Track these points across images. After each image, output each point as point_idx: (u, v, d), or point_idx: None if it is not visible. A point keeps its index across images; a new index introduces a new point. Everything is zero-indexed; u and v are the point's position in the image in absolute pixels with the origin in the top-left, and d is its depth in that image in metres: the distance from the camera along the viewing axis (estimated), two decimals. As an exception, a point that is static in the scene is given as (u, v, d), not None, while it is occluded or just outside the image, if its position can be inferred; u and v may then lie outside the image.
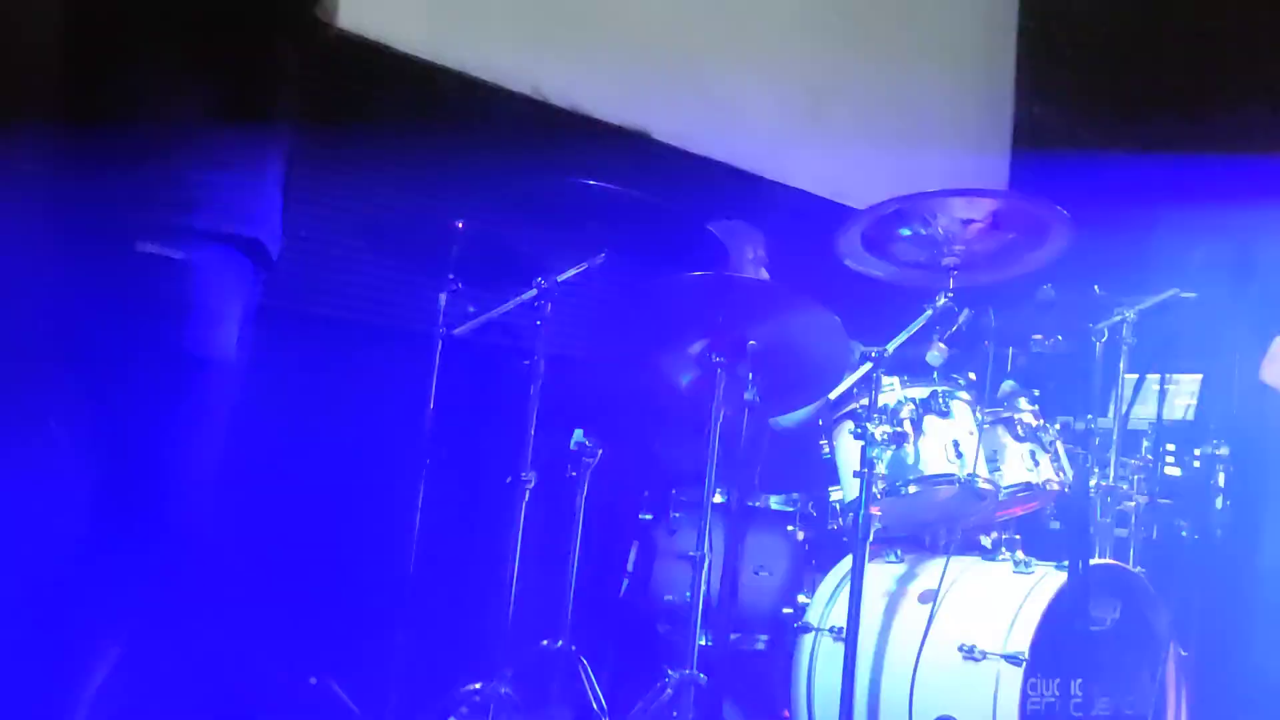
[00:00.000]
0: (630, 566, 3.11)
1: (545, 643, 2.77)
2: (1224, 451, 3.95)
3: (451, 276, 2.95)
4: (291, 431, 2.84)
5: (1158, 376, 4.08)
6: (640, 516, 3.12)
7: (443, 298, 2.93)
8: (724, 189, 4.12)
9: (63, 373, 1.62)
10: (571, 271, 2.72)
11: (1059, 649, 2.52)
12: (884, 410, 2.71)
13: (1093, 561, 2.74)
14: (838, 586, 2.87)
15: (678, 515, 3.09)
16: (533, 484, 2.62)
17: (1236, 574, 3.85)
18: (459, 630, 2.85)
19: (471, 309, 2.89)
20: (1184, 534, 3.94)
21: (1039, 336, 3.22)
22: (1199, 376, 4.42)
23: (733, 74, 4.28)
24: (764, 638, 2.99)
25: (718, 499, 2.84)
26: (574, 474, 2.82)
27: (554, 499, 2.78)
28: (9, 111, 1.71)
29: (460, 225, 2.86)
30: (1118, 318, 3.19)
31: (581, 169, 3.09)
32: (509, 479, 2.63)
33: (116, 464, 1.61)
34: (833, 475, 2.94)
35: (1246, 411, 3.99)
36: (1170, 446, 4.02)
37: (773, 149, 4.38)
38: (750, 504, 3.02)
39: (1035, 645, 2.48)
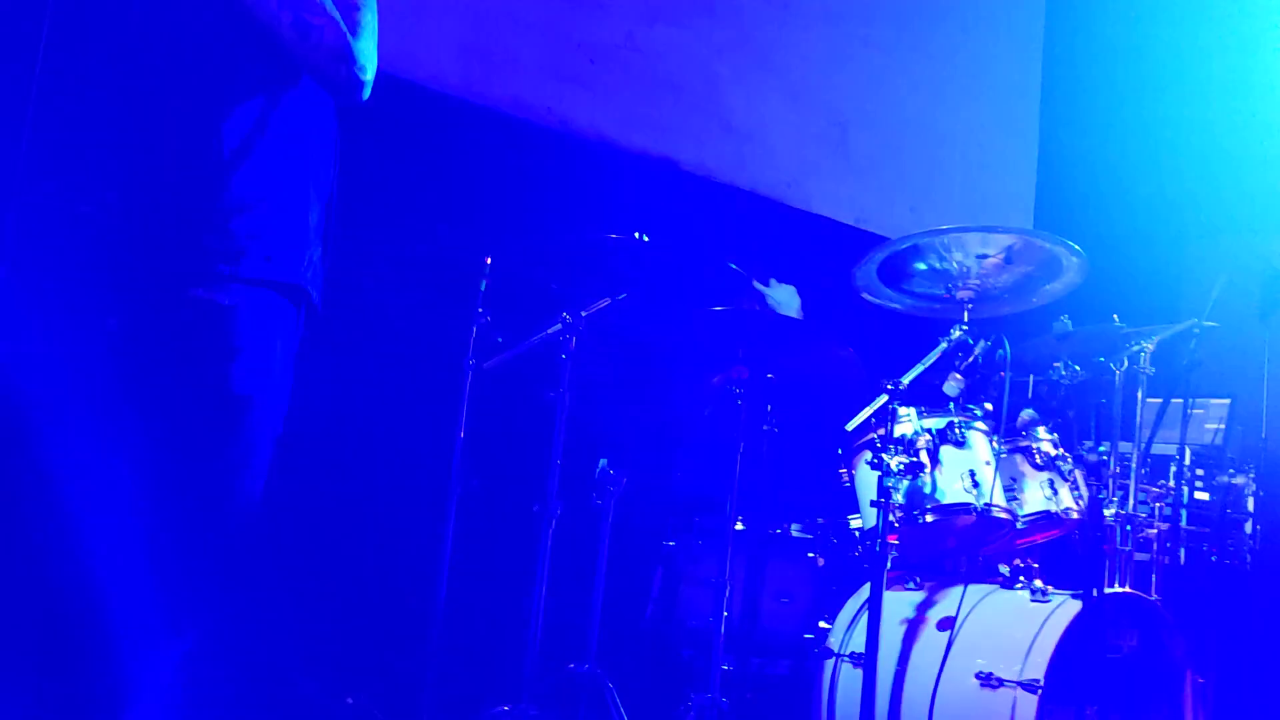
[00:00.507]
0: (655, 592, 3.19)
1: (572, 666, 2.85)
2: (1251, 476, 3.96)
3: (481, 310, 3.05)
4: (328, 459, 2.95)
5: (1181, 402, 4.10)
6: (664, 543, 3.20)
7: (474, 330, 3.03)
8: (747, 217, 4.19)
9: (124, 409, 1.74)
10: (596, 306, 2.81)
11: (1075, 676, 2.56)
12: (901, 440, 2.77)
13: (1110, 590, 2.77)
14: (858, 613, 2.92)
15: (700, 543, 3.16)
16: (559, 512, 2.71)
17: (1265, 600, 3.85)
18: (488, 653, 2.94)
19: (500, 340, 2.98)
20: (1213, 559, 3.96)
21: (1058, 365, 3.27)
22: (1227, 401, 4.42)
23: (757, 103, 4.36)
24: (786, 663, 3.05)
25: (739, 526, 2.91)
26: (599, 502, 2.90)
27: (580, 526, 2.86)
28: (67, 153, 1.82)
29: (489, 261, 2.96)
30: (1136, 348, 3.22)
31: (607, 203, 3.20)
32: (536, 507, 2.71)
33: (171, 496, 1.72)
34: (852, 504, 3.00)
35: (1276, 435, 3.99)
36: (1199, 471, 4.04)
37: (797, 177, 4.46)
38: (772, 531, 3.09)
39: (1051, 672, 2.52)
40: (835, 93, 4.59)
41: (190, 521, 1.74)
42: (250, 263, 1.76)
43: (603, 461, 2.91)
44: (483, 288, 3.01)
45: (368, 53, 1.88)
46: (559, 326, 2.80)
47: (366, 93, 1.88)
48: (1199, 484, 3.93)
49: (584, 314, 2.80)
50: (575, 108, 3.81)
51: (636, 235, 2.78)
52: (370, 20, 1.90)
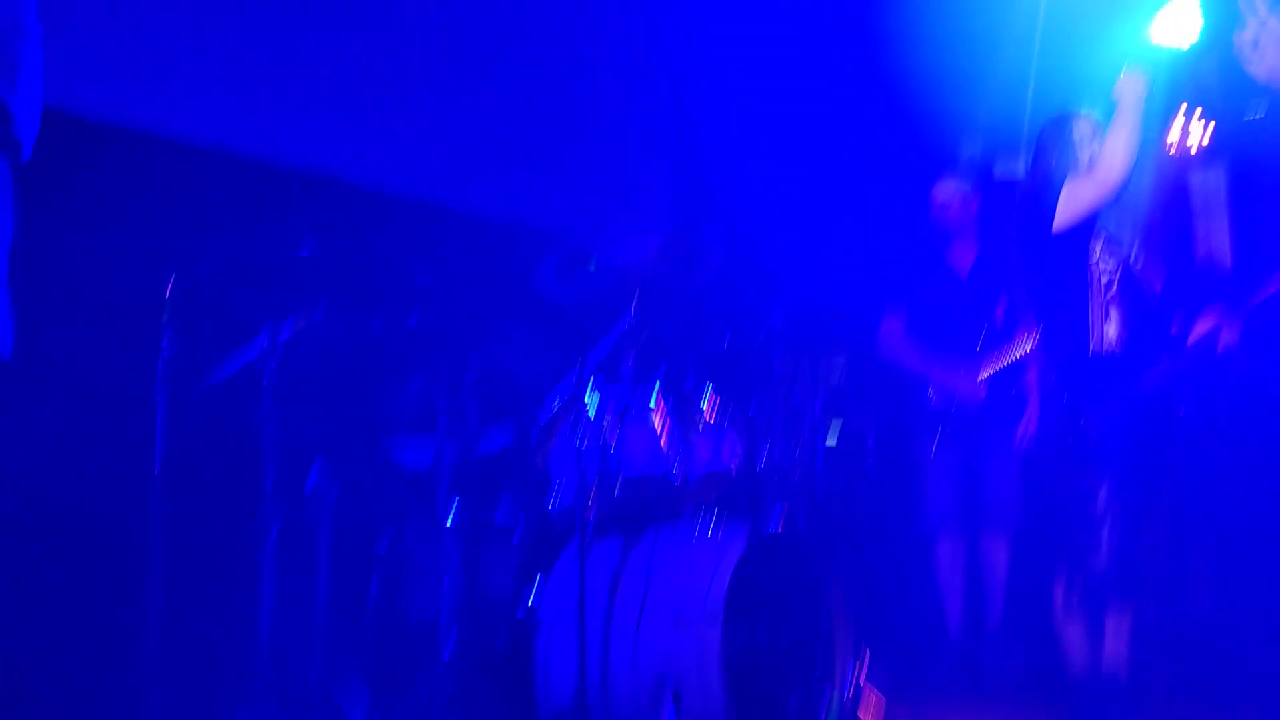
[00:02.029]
0: (372, 594, 3.32)
1: (299, 678, 2.94)
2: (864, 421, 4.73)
3: (167, 340, 3.02)
4: (30, 509, 2.82)
5: (811, 355, 4.80)
6: (379, 547, 3.34)
7: (162, 362, 2.99)
8: (421, 225, 4.34)
9: None
10: (292, 326, 2.89)
11: (746, 606, 3.03)
12: (588, 421, 3.12)
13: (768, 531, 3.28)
14: (564, 581, 3.24)
15: (413, 540, 3.34)
16: (276, 530, 2.78)
17: (887, 522, 4.63)
18: (212, 677, 2.95)
19: (194, 372, 2.97)
20: (844, 489, 4.69)
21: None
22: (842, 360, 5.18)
23: (419, 109, 4.50)
24: (503, 637, 3.31)
25: (449, 522, 3.13)
26: (313, 515, 3.00)
27: (298, 541, 2.95)
28: None
29: (168, 292, 2.94)
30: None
31: (286, 223, 3.26)
32: (250, 528, 2.77)
33: None
34: (551, 483, 3.31)
35: (886, 384, 4.76)
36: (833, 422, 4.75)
37: (458, 177, 4.64)
38: (479, 521, 3.33)
39: (728, 604, 2.97)
40: (493, 100, 4.82)
41: None
42: None
43: (312, 476, 3.00)
44: (166, 318, 2.98)
45: (28, 104, 1.78)
46: (256, 352, 2.86)
47: (28, 154, 1.81)
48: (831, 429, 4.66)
49: (280, 339, 2.87)
50: (243, 127, 3.79)
51: (314, 250, 2.89)
52: (28, 59, 1.81)
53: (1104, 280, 3.18)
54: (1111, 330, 3.14)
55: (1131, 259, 3.18)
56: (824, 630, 3.19)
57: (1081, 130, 3.25)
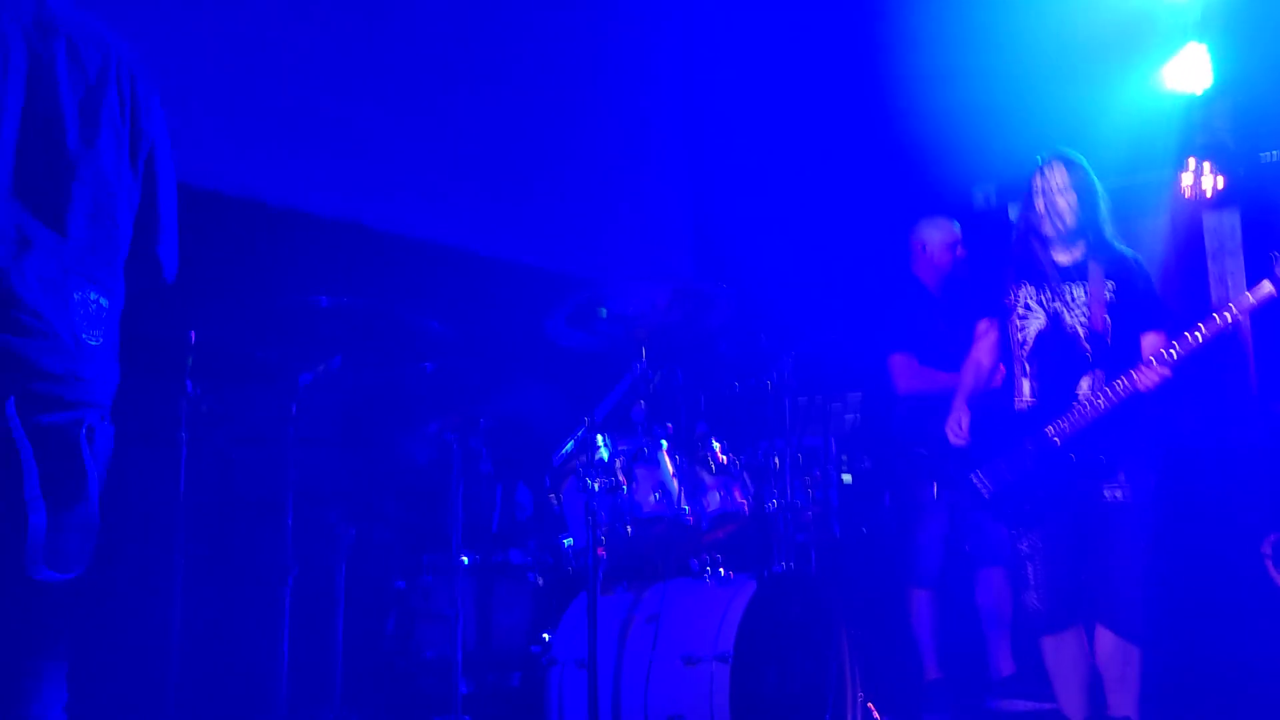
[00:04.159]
0: (389, 631, 3.38)
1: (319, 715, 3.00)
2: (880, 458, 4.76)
3: (190, 385, 3.12)
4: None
5: (822, 399, 4.85)
6: (395, 585, 3.41)
7: (183, 405, 3.08)
8: (436, 269, 4.44)
9: None
10: (313, 371, 2.98)
11: (757, 645, 3.07)
12: (600, 464, 3.18)
13: (777, 570, 3.32)
14: (577, 621, 3.29)
15: (429, 579, 3.41)
16: (296, 572, 2.86)
17: (899, 557, 4.64)
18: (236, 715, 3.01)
19: (216, 414, 3.06)
20: (863, 531, 4.71)
21: (735, 384, 3.86)
22: (859, 394, 5.23)
23: (437, 158, 4.62)
24: (518, 676, 3.36)
25: (464, 560, 3.19)
26: (330, 555, 3.07)
27: (316, 581, 3.02)
28: None
29: (193, 336, 3.04)
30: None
31: (305, 270, 3.36)
32: (271, 570, 2.85)
33: None
34: (563, 525, 3.37)
35: (903, 419, 4.79)
36: (844, 457, 4.79)
37: (474, 224, 4.75)
38: (494, 560, 3.39)
39: (738, 644, 3.01)
40: (509, 146, 4.94)
41: None
42: None
43: (332, 517, 3.08)
44: (189, 363, 3.08)
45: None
46: (280, 395, 2.95)
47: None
48: (844, 468, 4.70)
49: (301, 383, 2.97)
50: (263, 175, 3.91)
51: (333, 299, 2.98)
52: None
53: (1019, 337, 3.34)
54: (1026, 387, 3.30)
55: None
56: (834, 671, 3.22)
57: (1043, 180, 3.35)
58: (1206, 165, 4.90)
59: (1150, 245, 4.82)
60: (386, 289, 3.09)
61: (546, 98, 5.04)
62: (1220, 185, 4.88)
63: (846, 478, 4.77)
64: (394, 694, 3.25)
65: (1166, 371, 3.09)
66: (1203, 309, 4.24)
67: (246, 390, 3.08)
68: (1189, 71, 4.91)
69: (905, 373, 4.40)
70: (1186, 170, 4.91)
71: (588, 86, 5.26)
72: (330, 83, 4.19)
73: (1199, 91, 4.92)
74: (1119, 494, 3.19)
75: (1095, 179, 3.39)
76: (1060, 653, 3.27)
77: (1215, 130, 5.07)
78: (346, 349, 3.02)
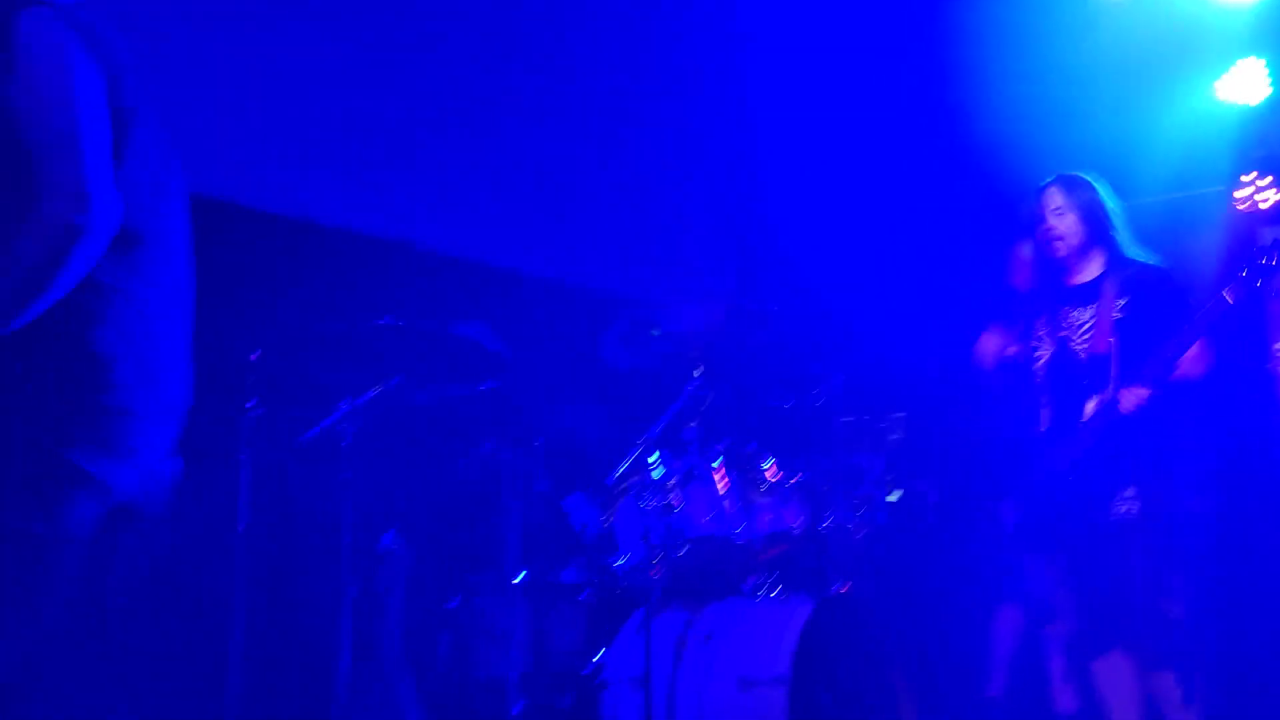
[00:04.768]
0: (443, 651, 3.40)
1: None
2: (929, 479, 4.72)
3: (251, 404, 3.16)
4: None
5: (870, 417, 4.82)
6: (449, 605, 3.42)
7: (246, 424, 3.12)
8: (489, 289, 4.46)
9: None
10: (369, 394, 3.01)
11: (813, 667, 3.04)
12: (653, 484, 3.18)
13: (833, 591, 3.30)
14: (631, 640, 3.28)
15: (483, 598, 3.42)
16: (355, 593, 2.88)
17: (952, 579, 4.59)
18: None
19: (277, 433, 3.10)
20: (908, 551, 4.67)
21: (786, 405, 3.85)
22: (903, 415, 5.19)
23: (489, 178, 4.66)
24: (571, 696, 3.35)
25: (517, 579, 3.20)
26: (388, 575, 3.09)
27: (374, 599, 3.04)
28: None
29: (255, 356, 3.08)
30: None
31: (363, 290, 3.40)
32: (330, 590, 2.87)
33: None
34: (616, 544, 3.38)
35: (950, 439, 4.76)
36: (890, 477, 4.75)
37: (528, 243, 4.78)
38: (547, 579, 3.40)
39: (794, 666, 2.99)
40: (560, 167, 4.97)
41: None
42: None
43: (388, 536, 3.10)
44: (251, 382, 3.12)
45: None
46: (337, 416, 2.98)
47: None
48: (891, 488, 4.66)
49: (358, 403, 3.00)
50: (322, 197, 3.96)
51: (391, 320, 3.01)
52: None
53: (1036, 369, 3.34)
54: (1044, 416, 3.27)
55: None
56: (890, 693, 3.19)
57: (1040, 206, 3.34)
58: (1264, 179, 4.83)
59: (1205, 260, 4.75)
60: (442, 309, 3.11)
61: (596, 118, 5.07)
62: (1277, 199, 4.80)
63: (893, 497, 4.74)
64: (447, 713, 3.26)
65: (1144, 393, 3.05)
66: (1259, 326, 4.17)
67: (306, 410, 3.11)
68: (1245, 84, 4.84)
69: (988, 352, 4.21)
70: (1242, 184, 4.84)
71: (637, 105, 5.29)
72: (385, 105, 4.24)
73: (1255, 104, 4.85)
74: (1131, 509, 3.13)
75: (1103, 193, 3.33)
76: (1108, 677, 3.20)
77: (1272, 144, 5.00)
78: (403, 369, 3.05)
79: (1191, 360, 3.09)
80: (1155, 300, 3.20)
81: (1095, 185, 3.35)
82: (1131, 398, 3.08)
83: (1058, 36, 4.73)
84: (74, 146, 1.85)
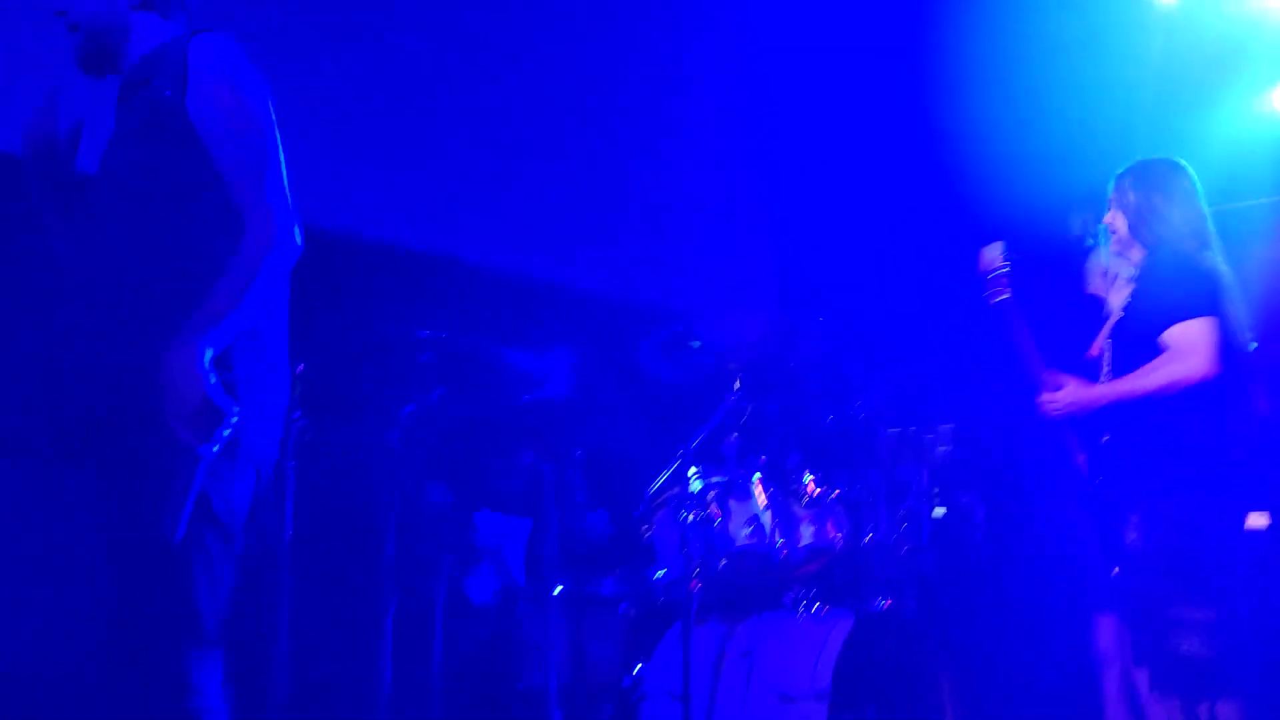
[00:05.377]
0: (485, 660, 3.42)
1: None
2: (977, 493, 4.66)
3: (295, 415, 3.20)
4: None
5: (915, 430, 4.77)
6: (489, 612, 3.44)
7: (290, 434, 3.17)
8: (529, 301, 4.49)
9: None
10: (414, 404, 3.04)
11: (855, 683, 3.02)
12: (693, 497, 3.18)
13: (875, 606, 3.27)
14: (670, 653, 3.28)
15: (523, 609, 3.43)
16: (396, 603, 2.90)
17: (998, 599, 4.53)
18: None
19: (321, 445, 3.14)
20: (953, 567, 4.61)
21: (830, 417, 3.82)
22: (951, 425, 5.13)
23: (534, 189, 4.68)
24: (610, 708, 3.36)
25: (557, 591, 3.21)
26: (430, 585, 3.12)
27: (417, 611, 3.06)
28: None
29: (299, 369, 3.13)
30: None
31: (405, 304, 3.44)
32: (374, 600, 2.90)
33: None
34: (655, 556, 3.38)
35: (994, 451, 4.70)
36: (935, 490, 4.70)
37: (566, 253, 4.80)
38: (586, 590, 3.41)
39: (835, 682, 2.97)
40: (600, 180, 4.99)
41: None
42: None
43: (431, 545, 3.13)
44: (296, 394, 3.17)
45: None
46: (378, 426, 3.02)
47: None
48: (937, 502, 4.60)
49: (401, 413, 3.03)
50: (362, 211, 4.02)
51: (433, 332, 3.04)
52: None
53: None
54: None
55: None
56: (932, 711, 3.15)
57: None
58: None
59: (1253, 272, 4.67)
60: (483, 322, 3.14)
61: (637, 129, 5.10)
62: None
63: (939, 511, 4.68)
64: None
65: (1054, 400, 2.88)
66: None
67: (350, 422, 3.15)
68: (1295, 97, 4.76)
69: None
70: (1295, 196, 4.76)
71: (679, 116, 5.31)
72: (428, 117, 4.29)
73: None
74: (1133, 536, 2.83)
75: (1146, 183, 3.02)
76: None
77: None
78: (446, 381, 3.08)
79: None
80: (1148, 294, 2.87)
81: (1141, 174, 3.07)
82: (1050, 404, 2.91)
83: (1103, 49, 4.68)
84: (276, 164, 1.90)
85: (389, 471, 3.00)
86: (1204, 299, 2.79)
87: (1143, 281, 2.93)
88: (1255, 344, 3.02)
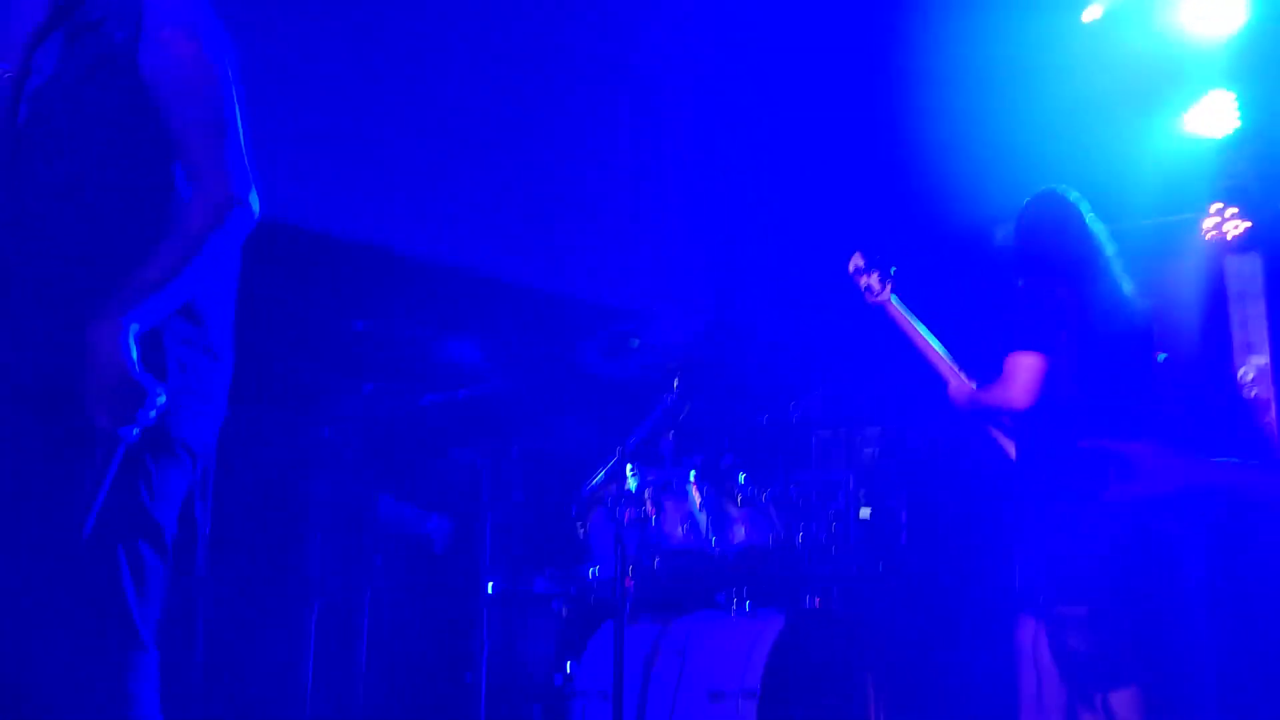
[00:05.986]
0: (414, 657, 3.38)
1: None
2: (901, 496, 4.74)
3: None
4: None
5: (845, 432, 4.84)
6: (425, 612, 3.41)
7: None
8: (470, 297, 4.44)
9: None
10: (343, 400, 3.00)
11: (784, 681, 3.05)
12: (629, 495, 3.18)
13: (805, 606, 3.31)
14: (601, 652, 3.27)
15: (453, 606, 3.40)
16: (320, 605, 2.86)
17: (920, 599, 4.61)
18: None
19: (247, 437, 3.07)
20: (879, 567, 4.69)
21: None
22: (878, 429, 5.22)
23: (469, 182, 4.64)
24: (539, 707, 3.34)
25: (490, 589, 3.19)
26: (357, 582, 3.07)
27: (343, 608, 3.01)
28: None
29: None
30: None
31: (338, 295, 3.38)
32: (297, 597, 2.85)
33: None
34: (588, 554, 3.37)
35: (920, 455, 4.78)
36: (862, 492, 4.77)
37: (508, 252, 4.77)
38: (518, 589, 3.39)
39: (765, 681, 2.99)
40: (542, 175, 4.96)
41: None
42: None
43: (360, 542, 3.08)
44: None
45: None
46: (312, 418, 2.97)
47: None
48: (863, 502, 4.68)
49: (333, 407, 2.98)
50: (297, 200, 3.94)
51: (367, 324, 3.00)
52: None
53: None
54: None
55: None
56: (860, 708, 3.20)
57: None
58: (1230, 210, 4.93)
59: (1180, 287, 4.83)
60: (420, 316, 3.10)
61: (578, 128, 5.08)
62: (1242, 230, 4.89)
63: (864, 513, 4.76)
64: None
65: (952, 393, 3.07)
66: (1224, 353, 4.20)
67: (279, 414, 3.09)
68: (1214, 117, 4.93)
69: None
70: (1209, 214, 4.93)
71: (619, 115, 5.31)
72: (365, 108, 4.23)
73: (1223, 136, 4.94)
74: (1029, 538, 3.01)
75: (1019, 221, 3.22)
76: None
77: (1238, 175, 5.09)
78: (379, 375, 3.04)
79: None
80: (1007, 320, 3.03)
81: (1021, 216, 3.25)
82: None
83: (1032, 67, 4.80)
84: (234, 125, 1.75)
85: (319, 465, 2.95)
86: (1033, 333, 2.92)
87: (1009, 306, 3.11)
88: (1164, 355, 3.16)
